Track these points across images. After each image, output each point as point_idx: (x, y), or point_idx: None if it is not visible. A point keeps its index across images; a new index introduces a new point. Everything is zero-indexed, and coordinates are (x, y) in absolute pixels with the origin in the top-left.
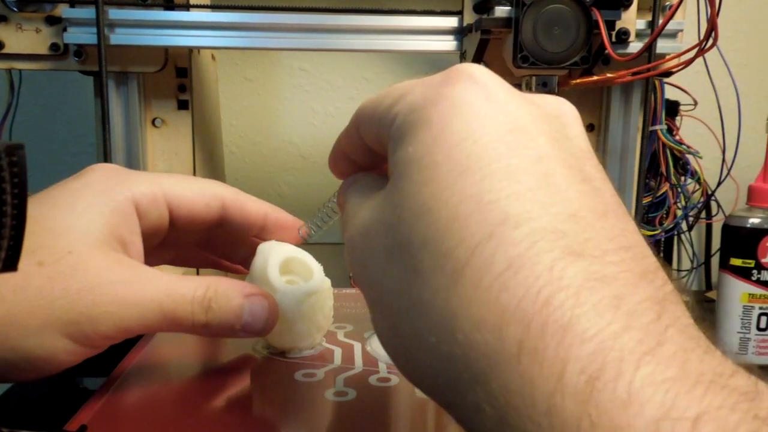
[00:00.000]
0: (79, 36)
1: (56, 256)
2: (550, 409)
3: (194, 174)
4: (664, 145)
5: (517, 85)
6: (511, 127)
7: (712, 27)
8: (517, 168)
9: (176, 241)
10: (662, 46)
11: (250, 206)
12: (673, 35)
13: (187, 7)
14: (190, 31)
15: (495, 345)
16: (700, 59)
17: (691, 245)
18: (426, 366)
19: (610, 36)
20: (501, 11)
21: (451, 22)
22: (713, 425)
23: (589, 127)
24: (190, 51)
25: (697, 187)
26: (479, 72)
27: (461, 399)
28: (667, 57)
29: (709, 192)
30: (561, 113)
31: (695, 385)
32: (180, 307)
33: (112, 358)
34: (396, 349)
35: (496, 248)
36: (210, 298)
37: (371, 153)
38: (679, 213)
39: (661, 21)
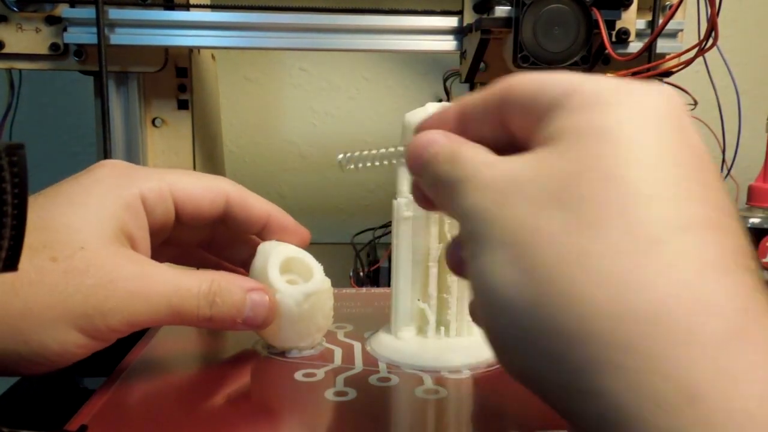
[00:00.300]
0: (79, 36)
1: (70, 252)
2: (683, 423)
3: None
4: None
5: None
6: (694, 154)
7: (712, 27)
8: (687, 188)
9: (180, 239)
10: (662, 45)
11: (254, 204)
12: (673, 35)
13: (187, 6)
14: (190, 31)
15: (653, 336)
16: (699, 59)
17: None
18: (563, 328)
19: (610, 36)
20: (501, 11)
21: (451, 21)
22: None
23: None
24: (190, 51)
25: None
26: (672, 94)
27: (579, 382)
28: (667, 57)
29: None
30: (694, 136)
31: None
32: (187, 302)
33: (112, 357)
34: (529, 302)
35: (676, 253)
36: (215, 292)
37: (503, 131)
38: None
39: (661, 21)
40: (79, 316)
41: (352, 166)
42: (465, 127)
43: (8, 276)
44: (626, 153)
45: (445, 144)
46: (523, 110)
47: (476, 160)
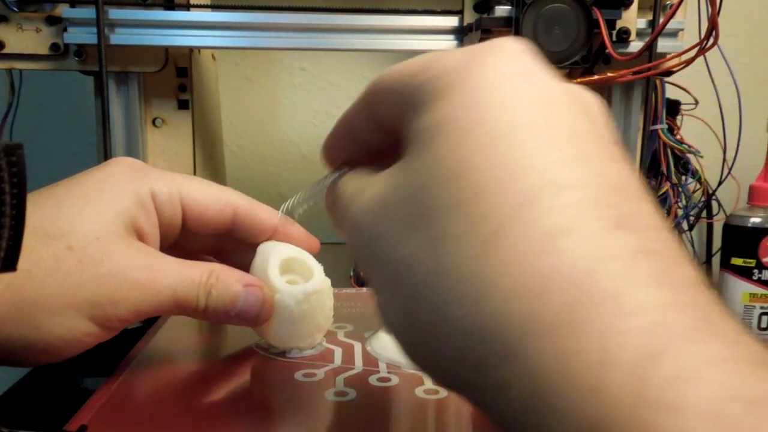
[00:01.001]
0: (80, 36)
1: (85, 241)
2: (595, 384)
3: (194, 174)
4: (664, 144)
5: None
6: (547, 100)
7: (712, 26)
8: (557, 138)
9: (186, 246)
10: (663, 45)
11: (262, 216)
12: (673, 34)
13: (187, 6)
14: (190, 31)
15: (533, 314)
16: (700, 58)
17: (692, 245)
18: (446, 346)
19: (610, 35)
20: (501, 10)
21: (452, 21)
22: None
23: None
24: (191, 51)
25: (698, 186)
26: (518, 45)
27: (485, 379)
28: (668, 56)
29: (710, 191)
30: (586, 99)
31: (759, 366)
32: (190, 293)
33: (112, 357)
34: (410, 331)
35: (540, 213)
36: (212, 283)
37: (380, 132)
38: (680, 212)
39: (661, 20)
40: (92, 305)
41: (301, 211)
42: (353, 138)
43: (26, 263)
44: (463, 147)
45: (332, 181)
46: (385, 110)
47: (353, 183)
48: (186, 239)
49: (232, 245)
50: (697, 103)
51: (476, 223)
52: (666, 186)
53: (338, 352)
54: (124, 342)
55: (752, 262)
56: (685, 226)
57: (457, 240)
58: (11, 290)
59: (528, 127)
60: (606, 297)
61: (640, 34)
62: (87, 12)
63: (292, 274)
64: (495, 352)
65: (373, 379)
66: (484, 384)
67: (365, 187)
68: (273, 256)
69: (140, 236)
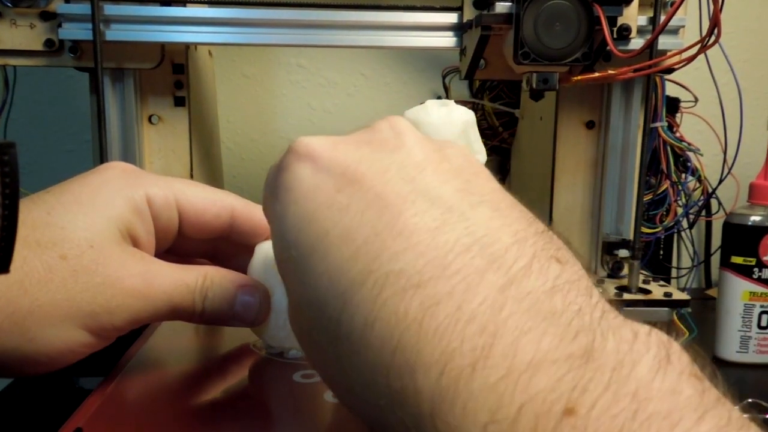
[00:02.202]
0: (75, 32)
1: (79, 250)
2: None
3: (191, 171)
4: (664, 142)
5: (518, 82)
6: (339, 185)
7: (714, 23)
8: (350, 226)
9: (183, 249)
10: (664, 42)
11: (259, 217)
12: (674, 31)
13: (183, 2)
14: (186, 27)
15: (377, 401)
16: (700, 55)
17: (692, 243)
18: (359, 415)
19: (611, 32)
20: (501, 7)
21: (451, 18)
22: (531, 412)
23: (590, 124)
24: (187, 47)
25: (698, 184)
26: (305, 144)
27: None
28: (669, 54)
29: (710, 189)
30: (391, 136)
31: (523, 373)
32: (186, 298)
33: (108, 357)
34: (342, 404)
35: (353, 313)
36: (207, 287)
37: None
38: (680, 211)
39: (662, 17)
40: (87, 315)
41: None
42: None
43: (18, 274)
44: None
45: None
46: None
47: None
48: (182, 243)
49: (229, 247)
50: (697, 100)
51: (323, 333)
52: (666, 184)
53: None
54: (120, 342)
55: (752, 261)
56: (684, 224)
57: (322, 348)
58: (4, 302)
59: (325, 233)
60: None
61: (640, 31)
62: (82, 8)
63: None
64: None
65: None
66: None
67: None
68: (270, 255)
69: (135, 242)
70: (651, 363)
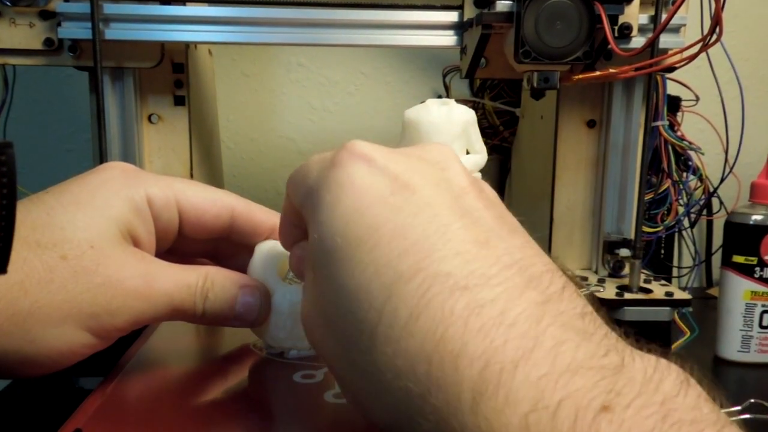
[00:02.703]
0: (74, 31)
1: (79, 251)
2: (456, 429)
3: (191, 170)
4: (665, 141)
5: (519, 81)
6: (393, 187)
7: (716, 22)
8: (403, 225)
9: (183, 249)
10: (665, 41)
11: (260, 217)
12: (675, 30)
13: (183, 1)
14: (186, 26)
15: (412, 387)
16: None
17: (693, 242)
18: (376, 410)
19: (612, 31)
20: (502, 5)
21: (452, 16)
22: (571, 405)
23: (591, 124)
24: (187, 46)
25: (699, 183)
26: (360, 147)
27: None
28: (670, 52)
29: (711, 189)
30: (440, 159)
31: (563, 374)
32: (187, 299)
33: (108, 357)
34: (353, 401)
35: (397, 304)
36: (208, 288)
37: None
38: (681, 210)
39: (663, 15)
40: (88, 316)
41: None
42: (291, 224)
43: (18, 275)
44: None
45: (295, 260)
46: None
47: (306, 277)
48: (182, 243)
49: (229, 247)
50: (698, 99)
51: (360, 324)
52: (667, 183)
53: None
54: (120, 342)
55: (754, 260)
56: (686, 223)
57: (353, 340)
58: (4, 303)
59: (376, 227)
60: (451, 358)
61: (641, 29)
62: (81, 6)
63: (290, 273)
64: (403, 419)
65: None
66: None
67: (306, 289)
68: (271, 255)
69: (136, 242)
70: (674, 383)
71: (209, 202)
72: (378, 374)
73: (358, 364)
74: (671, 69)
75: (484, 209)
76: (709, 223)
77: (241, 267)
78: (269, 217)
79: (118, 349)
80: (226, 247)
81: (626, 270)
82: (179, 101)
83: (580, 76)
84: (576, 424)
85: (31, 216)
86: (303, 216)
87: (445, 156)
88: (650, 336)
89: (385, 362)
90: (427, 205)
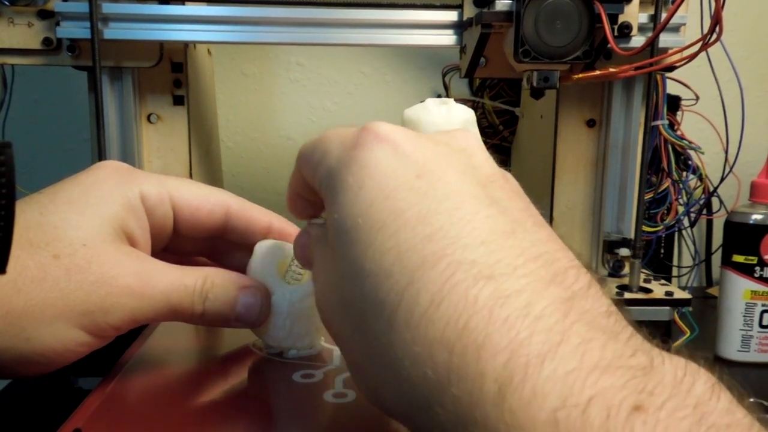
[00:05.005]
0: (73, 30)
1: (72, 249)
2: (478, 420)
3: (190, 170)
4: (665, 140)
5: (519, 80)
6: (419, 172)
7: (716, 21)
8: (428, 210)
9: (179, 248)
10: (665, 40)
11: (255, 215)
12: (675, 29)
13: (182, 0)
14: (185, 26)
15: (430, 375)
16: (702, 53)
17: (693, 242)
18: (391, 398)
19: (612, 30)
20: (502, 4)
21: (451, 15)
22: (602, 403)
23: (590, 123)
24: (186, 45)
25: (699, 183)
26: (385, 129)
27: (422, 422)
28: (670, 51)
29: (711, 188)
30: (466, 146)
31: (591, 371)
32: (185, 299)
33: (107, 357)
34: (366, 388)
35: (419, 289)
36: (207, 289)
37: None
38: (681, 209)
39: (663, 14)
40: (81, 314)
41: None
42: (299, 196)
43: (11, 273)
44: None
45: (301, 245)
46: (309, 182)
47: (316, 261)
48: (178, 242)
49: (226, 246)
50: (697, 98)
51: (379, 308)
52: (667, 182)
53: (337, 353)
54: (119, 342)
55: (754, 260)
56: (686, 222)
57: (370, 323)
58: None
59: (400, 212)
60: (474, 348)
61: (641, 28)
62: (80, 6)
63: (289, 273)
64: (418, 406)
65: None
66: (422, 426)
67: (319, 273)
68: (270, 255)
69: (131, 241)
70: (705, 386)
71: (203, 199)
72: (395, 360)
73: (374, 348)
74: (671, 68)
75: (509, 200)
76: (709, 223)
77: (238, 265)
78: (264, 215)
79: (117, 349)
80: (222, 245)
81: (626, 269)
82: (178, 101)
83: (580, 76)
84: (608, 423)
85: (24, 216)
86: (321, 194)
87: (471, 143)
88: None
89: (403, 348)
90: (453, 192)
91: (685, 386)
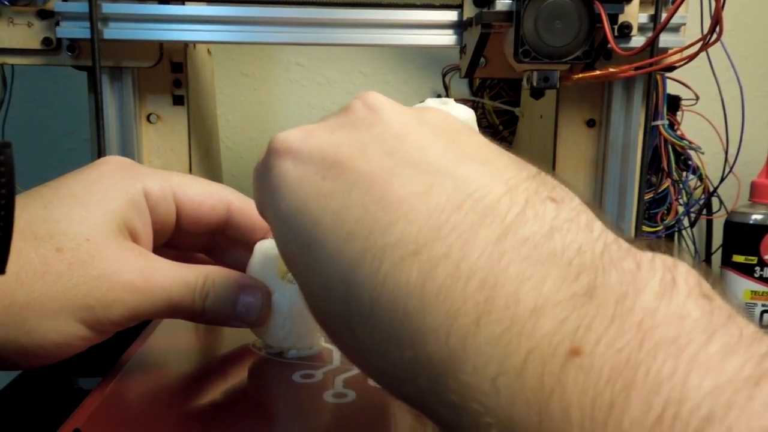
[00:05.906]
0: (72, 30)
1: (75, 243)
2: (436, 408)
3: (190, 170)
4: (665, 140)
5: (518, 80)
6: (324, 173)
7: (716, 21)
8: (340, 208)
9: (180, 243)
10: (665, 40)
11: (256, 212)
12: (675, 29)
13: (182, 0)
14: (185, 25)
15: (391, 371)
16: (702, 53)
17: (693, 242)
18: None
19: (612, 30)
20: (502, 4)
21: (451, 15)
22: (538, 358)
23: (590, 123)
24: (186, 45)
25: (699, 183)
26: (282, 140)
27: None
28: (670, 51)
29: (711, 188)
30: (365, 113)
31: (527, 321)
32: (186, 297)
33: (107, 357)
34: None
35: (357, 293)
36: (208, 287)
37: None
38: (681, 209)
39: (663, 14)
40: (82, 308)
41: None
42: None
43: (14, 266)
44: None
45: None
46: None
47: None
48: (179, 237)
49: (227, 243)
50: (697, 98)
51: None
52: (667, 182)
53: (337, 353)
54: (119, 341)
55: (754, 260)
56: (685, 223)
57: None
58: (0, 294)
59: (313, 225)
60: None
61: (641, 29)
62: (80, 6)
63: (289, 273)
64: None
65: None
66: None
67: None
68: (270, 255)
69: (133, 237)
70: (656, 290)
71: (206, 195)
72: (375, 364)
73: (357, 356)
74: (671, 68)
75: (424, 150)
76: (709, 223)
77: (238, 262)
78: None
79: (118, 349)
80: (222, 241)
81: None
82: (178, 101)
83: (580, 76)
84: (543, 381)
85: (28, 209)
86: None
87: (371, 107)
88: None
89: (371, 353)
90: (359, 177)
91: (629, 300)
